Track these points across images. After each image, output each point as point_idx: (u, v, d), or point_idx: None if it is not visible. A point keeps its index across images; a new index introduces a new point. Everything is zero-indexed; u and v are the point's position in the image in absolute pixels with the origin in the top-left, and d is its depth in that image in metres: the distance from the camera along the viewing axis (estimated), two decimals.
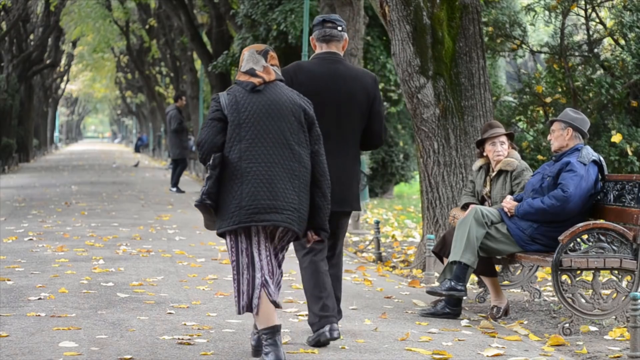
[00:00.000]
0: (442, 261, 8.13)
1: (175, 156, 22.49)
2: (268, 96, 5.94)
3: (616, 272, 7.15)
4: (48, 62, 44.85)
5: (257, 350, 6.04)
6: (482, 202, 8.24)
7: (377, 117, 6.77)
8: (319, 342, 6.36)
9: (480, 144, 8.34)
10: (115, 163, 41.42)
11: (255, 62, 6.02)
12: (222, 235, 5.90)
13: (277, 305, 5.81)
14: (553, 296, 8.60)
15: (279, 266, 5.95)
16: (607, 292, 7.17)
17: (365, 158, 16.39)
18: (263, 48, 6.09)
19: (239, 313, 5.89)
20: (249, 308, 5.81)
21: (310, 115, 6.03)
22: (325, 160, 6.07)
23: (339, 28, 6.71)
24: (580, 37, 12.76)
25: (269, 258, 5.86)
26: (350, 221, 15.78)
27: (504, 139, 8.20)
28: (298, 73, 6.60)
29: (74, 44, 52.40)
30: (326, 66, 6.66)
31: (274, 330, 5.76)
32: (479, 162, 8.37)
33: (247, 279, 5.82)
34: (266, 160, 5.84)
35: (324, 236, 6.10)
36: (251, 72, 5.99)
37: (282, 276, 5.99)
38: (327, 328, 6.34)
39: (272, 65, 6.05)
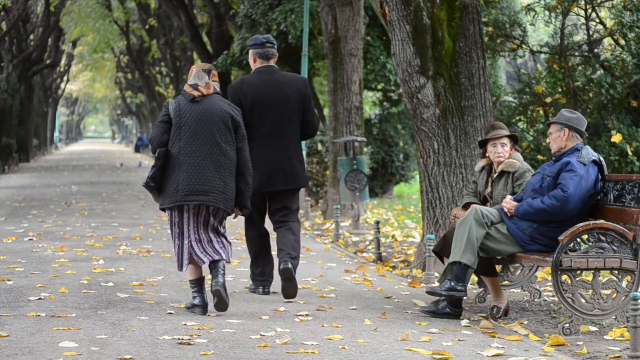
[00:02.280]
0: (442, 261, 8.12)
1: None
2: (204, 106, 7.65)
3: (616, 272, 7.15)
4: (48, 62, 44.87)
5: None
6: (483, 202, 8.24)
7: (309, 111, 8.57)
8: (255, 292, 8.48)
9: (483, 144, 8.34)
10: (121, 163, 41.38)
11: (199, 78, 7.72)
12: (163, 210, 7.69)
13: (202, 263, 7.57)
14: (553, 296, 8.60)
15: (218, 233, 7.67)
16: (607, 292, 7.17)
17: (365, 158, 16.39)
18: (208, 67, 7.80)
19: (179, 270, 7.66)
20: (181, 267, 7.59)
21: (236, 120, 7.73)
22: (248, 155, 7.77)
23: (275, 48, 8.63)
24: (580, 37, 12.76)
25: (195, 229, 7.57)
26: (350, 221, 15.80)
27: (505, 140, 8.19)
28: (242, 86, 8.47)
29: (74, 44, 52.42)
30: (265, 77, 8.49)
31: (200, 281, 7.61)
32: (481, 163, 8.36)
33: (178, 244, 7.61)
34: (198, 155, 7.57)
35: (245, 212, 7.89)
36: (194, 87, 7.70)
37: (229, 242, 7.71)
38: (260, 289, 8.48)
39: (213, 81, 7.73)
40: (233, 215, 7.81)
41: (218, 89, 7.79)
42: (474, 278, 8.72)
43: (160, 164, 7.61)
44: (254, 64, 8.61)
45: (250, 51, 8.60)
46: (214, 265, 7.55)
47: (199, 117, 7.61)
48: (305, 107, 8.55)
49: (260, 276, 8.55)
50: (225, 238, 7.73)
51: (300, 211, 17.84)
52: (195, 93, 7.67)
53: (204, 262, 7.55)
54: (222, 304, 7.47)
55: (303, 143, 18.30)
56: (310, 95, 8.62)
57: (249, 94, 8.41)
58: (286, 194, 8.49)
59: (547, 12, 12.15)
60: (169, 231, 7.70)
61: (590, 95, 11.78)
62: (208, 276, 7.77)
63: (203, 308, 7.53)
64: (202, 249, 7.57)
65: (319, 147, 19.59)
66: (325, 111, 25.53)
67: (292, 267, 8.16)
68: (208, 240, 7.62)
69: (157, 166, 7.62)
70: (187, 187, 7.51)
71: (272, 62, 8.60)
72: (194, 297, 7.60)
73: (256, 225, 8.57)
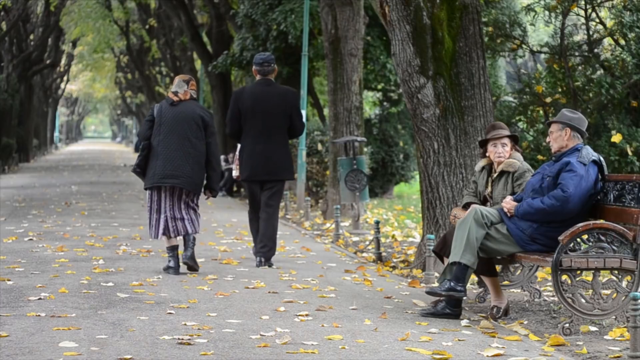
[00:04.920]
0: (442, 261, 8.12)
1: None
2: (180, 109, 9.71)
3: (616, 272, 7.14)
4: (48, 62, 44.84)
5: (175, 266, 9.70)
6: (483, 202, 8.24)
7: (296, 118, 10.51)
8: (258, 265, 10.30)
9: (483, 144, 8.34)
10: (125, 164, 41.38)
11: (180, 87, 9.78)
12: (146, 189, 9.73)
13: (183, 234, 9.70)
14: (553, 296, 8.60)
15: (189, 208, 9.71)
16: (607, 292, 7.17)
17: (365, 158, 16.39)
18: (187, 78, 9.87)
19: (151, 238, 9.83)
20: (156, 236, 9.69)
21: (205, 120, 9.74)
22: (216, 148, 9.81)
23: (272, 65, 10.55)
24: (580, 37, 12.76)
25: (170, 206, 9.66)
26: (350, 221, 15.80)
27: (506, 140, 8.18)
28: (243, 94, 10.47)
29: (74, 44, 52.38)
30: (261, 88, 10.46)
31: (174, 248, 9.67)
32: (481, 163, 8.36)
33: (155, 218, 9.69)
34: (173, 147, 9.59)
35: (214, 194, 9.94)
36: (175, 93, 9.76)
37: (197, 217, 9.79)
38: (258, 259, 10.35)
39: (191, 89, 9.77)
40: (205, 197, 9.99)
41: (195, 96, 9.86)
42: (474, 278, 8.73)
43: (144, 154, 9.71)
44: (255, 76, 10.59)
45: (253, 67, 10.56)
46: (185, 239, 9.68)
47: (175, 117, 9.66)
48: (292, 114, 10.47)
49: (259, 247, 10.38)
50: (195, 211, 9.78)
51: (300, 211, 17.87)
52: (175, 98, 9.73)
53: (175, 236, 9.66)
54: (192, 269, 9.72)
55: (302, 143, 18.33)
56: (297, 106, 10.61)
57: (247, 101, 10.38)
58: (272, 184, 10.44)
59: (547, 12, 12.15)
60: (147, 207, 9.75)
61: (590, 95, 11.79)
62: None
63: (175, 270, 9.63)
64: (174, 226, 9.64)
65: (319, 147, 19.59)
66: (325, 111, 25.54)
67: (262, 261, 10.29)
68: (180, 218, 9.67)
69: (141, 156, 9.73)
70: (162, 172, 9.57)
71: (269, 76, 10.52)
72: (169, 261, 9.70)
73: (253, 209, 10.56)
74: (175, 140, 9.59)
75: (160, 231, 9.62)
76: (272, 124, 10.37)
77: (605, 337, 7.00)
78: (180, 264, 9.72)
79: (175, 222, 9.65)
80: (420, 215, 11.37)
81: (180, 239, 9.82)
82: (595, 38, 12.31)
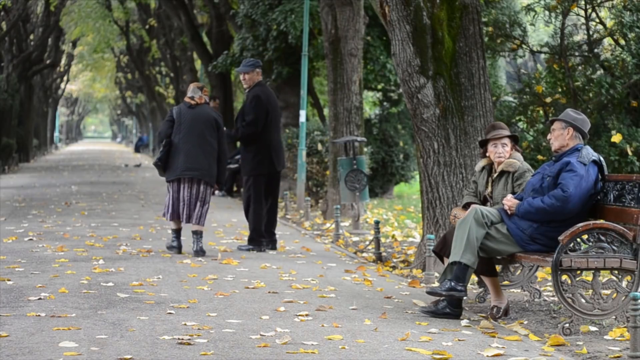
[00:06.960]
0: (442, 261, 8.12)
1: None
2: (197, 111, 11.33)
3: (616, 272, 7.15)
4: (48, 62, 44.82)
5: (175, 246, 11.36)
6: (483, 202, 8.24)
7: None
8: (260, 250, 11.83)
9: (483, 144, 8.34)
10: (126, 164, 41.33)
11: (195, 92, 11.41)
12: (168, 182, 11.26)
13: (197, 223, 11.26)
14: (553, 296, 8.60)
15: (203, 203, 11.25)
16: (607, 292, 7.17)
17: (365, 158, 16.38)
18: (201, 85, 11.54)
19: (165, 218, 11.46)
20: (172, 217, 11.24)
21: (219, 122, 11.36)
22: (226, 148, 11.49)
23: None
24: (580, 37, 12.76)
25: (189, 196, 11.20)
26: (350, 221, 15.80)
27: (506, 140, 8.18)
28: (267, 95, 11.79)
29: (74, 44, 52.37)
30: (270, 90, 12.11)
31: (179, 230, 11.34)
32: (481, 163, 8.36)
33: (174, 205, 11.21)
34: (191, 144, 11.15)
35: (219, 187, 12.32)
36: (191, 98, 11.38)
37: (207, 208, 11.32)
38: (270, 246, 11.89)
39: (204, 95, 11.39)
40: (215, 190, 11.26)
41: (208, 100, 11.46)
42: (474, 278, 8.73)
43: (166, 150, 11.22)
44: (258, 78, 11.94)
45: (258, 70, 11.91)
46: (194, 233, 11.14)
47: (193, 118, 11.23)
48: None
49: (265, 237, 11.84)
50: (206, 206, 11.28)
51: (300, 211, 17.87)
52: (192, 102, 11.33)
53: (186, 222, 11.20)
54: (200, 256, 11.03)
55: (302, 143, 18.33)
56: None
57: (270, 101, 11.84)
58: (276, 176, 11.96)
59: (547, 12, 12.15)
60: (166, 198, 11.31)
61: (590, 95, 11.79)
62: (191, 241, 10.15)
63: (178, 250, 11.24)
64: (188, 214, 11.20)
65: (319, 147, 19.58)
66: (325, 111, 25.53)
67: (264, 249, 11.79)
68: (194, 208, 11.20)
69: (163, 151, 11.22)
70: (183, 166, 11.12)
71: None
72: (173, 241, 11.30)
73: (262, 200, 11.81)
74: (194, 138, 11.14)
75: (175, 215, 11.18)
76: (280, 119, 12.09)
77: (605, 337, 7.00)
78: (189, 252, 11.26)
79: (189, 210, 11.17)
80: (420, 215, 11.37)
81: (186, 226, 11.39)
82: (595, 38, 12.31)
